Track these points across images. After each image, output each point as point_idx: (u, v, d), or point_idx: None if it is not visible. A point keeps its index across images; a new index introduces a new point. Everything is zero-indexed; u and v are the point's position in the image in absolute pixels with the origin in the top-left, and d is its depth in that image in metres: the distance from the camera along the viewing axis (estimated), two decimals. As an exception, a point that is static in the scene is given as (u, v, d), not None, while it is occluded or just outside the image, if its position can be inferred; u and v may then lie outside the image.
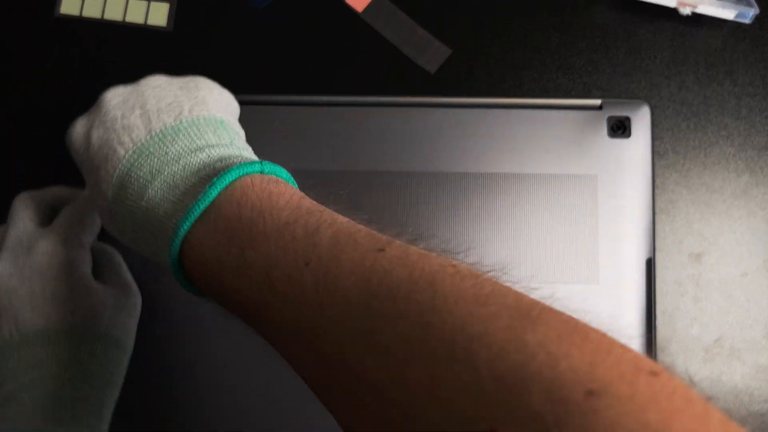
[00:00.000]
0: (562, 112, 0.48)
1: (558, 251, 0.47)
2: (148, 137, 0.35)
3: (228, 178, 0.32)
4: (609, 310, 0.46)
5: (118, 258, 0.45)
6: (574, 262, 0.47)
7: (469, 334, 0.24)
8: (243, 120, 0.49)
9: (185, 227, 0.32)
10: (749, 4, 0.50)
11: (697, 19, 0.52)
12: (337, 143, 0.48)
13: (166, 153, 0.34)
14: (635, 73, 0.51)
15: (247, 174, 0.33)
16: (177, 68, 0.52)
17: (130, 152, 0.35)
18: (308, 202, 0.32)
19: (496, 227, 0.47)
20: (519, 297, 0.26)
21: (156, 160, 0.34)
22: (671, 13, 0.51)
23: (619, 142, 0.48)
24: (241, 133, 0.39)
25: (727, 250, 0.50)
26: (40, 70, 0.52)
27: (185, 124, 0.35)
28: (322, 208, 0.32)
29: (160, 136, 0.35)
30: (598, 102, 0.49)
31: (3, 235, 0.42)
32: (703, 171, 0.51)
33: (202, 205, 0.32)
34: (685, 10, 0.50)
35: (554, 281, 0.47)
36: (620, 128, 0.48)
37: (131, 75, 0.52)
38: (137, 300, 0.44)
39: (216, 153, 0.35)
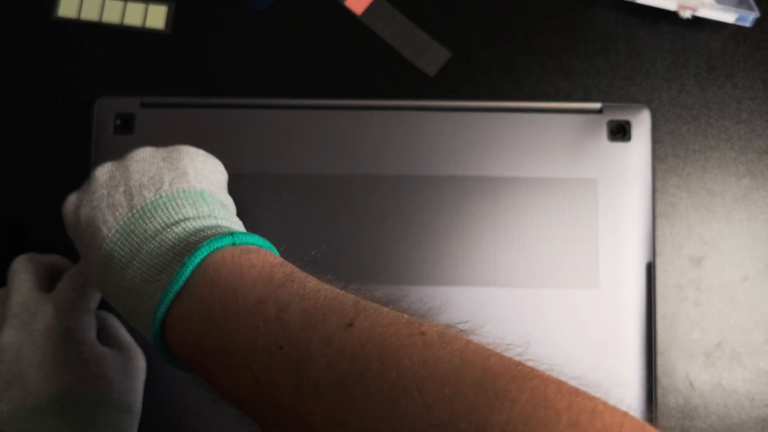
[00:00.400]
0: (562, 116, 0.48)
1: (558, 255, 0.47)
2: (129, 215, 0.35)
3: (199, 255, 0.32)
4: (609, 315, 0.46)
5: (116, 321, 0.44)
6: (574, 266, 0.47)
7: (434, 421, 0.24)
8: (242, 123, 0.48)
9: (162, 309, 0.32)
10: (750, 8, 0.50)
11: (698, 22, 0.51)
12: (336, 147, 0.48)
13: (144, 230, 0.35)
14: (635, 76, 0.51)
15: (218, 248, 0.33)
16: (175, 71, 0.52)
17: (113, 231, 0.35)
18: (279, 272, 0.32)
19: (496, 231, 0.47)
20: (486, 367, 0.25)
21: (135, 238, 0.35)
22: (671, 16, 0.51)
23: (620, 146, 0.48)
24: (227, 200, 0.39)
25: (728, 254, 0.50)
26: (37, 73, 0.52)
27: (164, 198, 0.36)
28: (293, 274, 0.32)
29: (141, 213, 0.35)
30: (598, 105, 0.48)
31: (3, 299, 0.41)
32: (704, 175, 0.50)
33: (176, 286, 0.32)
34: (686, 14, 0.50)
35: (554, 286, 0.47)
36: (620, 132, 0.48)
37: (129, 78, 0.52)
38: (142, 362, 0.43)
39: (191, 226, 0.34)
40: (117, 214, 0.36)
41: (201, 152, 0.40)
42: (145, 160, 0.38)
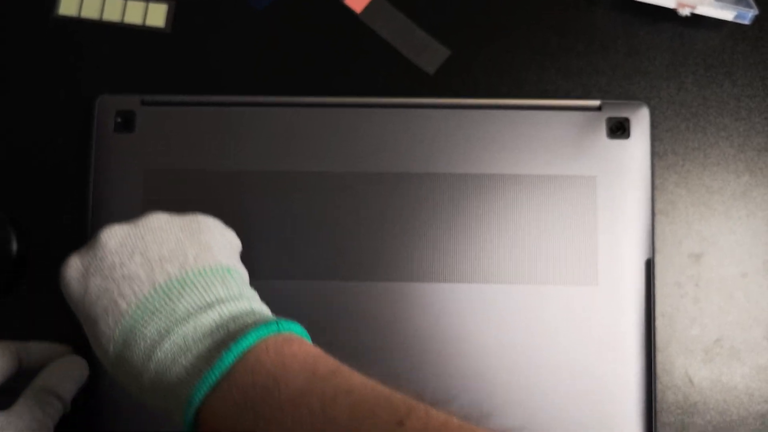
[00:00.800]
0: (562, 114, 0.48)
1: (557, 252, 0.47)
2: (152, 291, 0.33)
3: (244, 344, 0.31)
4: (608, 312, 0.46)
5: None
6: (573, 263, 0.47)
7: None
8: (242, 121, 0.49)
9: (200, 396, 0.31)
10: (748, 5, 0.50)
11: (697, 20, 0.52)
12: (336, 145, 0.48)
13: (173, 310, 0.33)
14: (634, 74, 0.51)
15: (262, 337, 0.32)
16: (175, 69, 0.52)
17: (133, 307, 0.33)
18: (323, 365, 0.32)
19: (495, 229, 0.47)
20: None
21: (163, 318, 0.33)
22: (670, 14, 0.51)
23: (619, 143, 0.48)
24: (245, 274, 0.38)
25: (727, 250, 0.50)
26: (38, 71, 0.52)
27: (191, 275, 0.34)
28: (338, 368, 0.31)
29: (165, 290, 0.34)
30: (597, 103, 0.49)
31: None
32: (703, 172, 0.51)
33: (218, 373, 0.31)
34: (685, 11, 0.50)
35: (553, 283, 0.47)
36: (619, 129, 0.48)
37: (130, 76, 0.52)
38: None
39: (227, 310, 0.33)
40: (136, 288, 0.34)
41: (218, 223, 0.38)
42: (162, 228, 0.36)
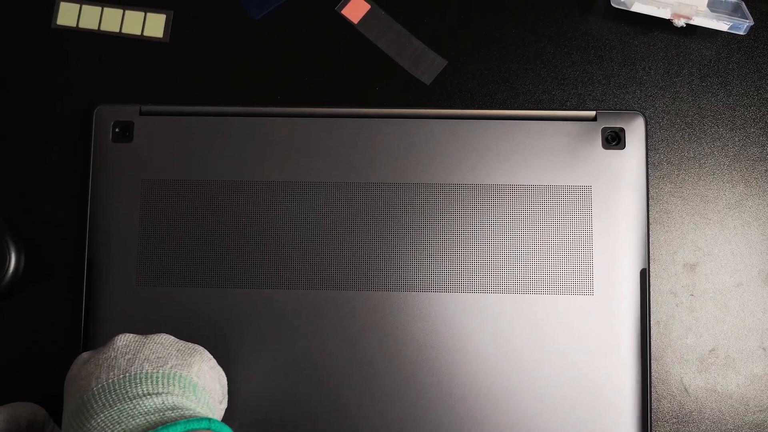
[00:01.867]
0: (557, 124, 0.48)
1: (553, 262, 0.47)
2: (121, 376, 0.37)
3: (173, 430, 0.33)
4: (604, 321, 0.47)
5: None
6: (568, 273, 0.47)
7: None
8: (240, 131, 0.49)
9: None
10: (743, 16, 0.50)
11: (692, 30, 0.52)
12: (332, 155, 0.48)
13: (126, 392, 0.36)
14: (630, 84, 0.52)
15: (193, 430, 0.34)
16: (173, 80, 0.52)
17: (101, 384, 0.37)
18: None
19: (491, 238, 0.47)
20: None
21: (114, 396, 0.36)
22: (665, 24, 0.52)
23: (614, 153, 0.48)
24: (215, 408, 0.41)
25: (722, 260, 0.50)
26: (36, 81, 0.52)
27: (160, 374, 0.38)
28: None
29: (131, 377, 0.37)
30: (592, 113, 0.49)
31: None
32: (698, 182, 0.51)
33: None
34: (680, 22, 0.51)
35: (549, 292, 0.47)
36: (615, 139, 0.48)
37: (128, 86, 0.52)
38: None
39: (171, 401, 0.36)
40: (111, 373, 0.37)
41: (213, 361, 0.42)
42: (162, 344, 0.40)
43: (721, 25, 0.50)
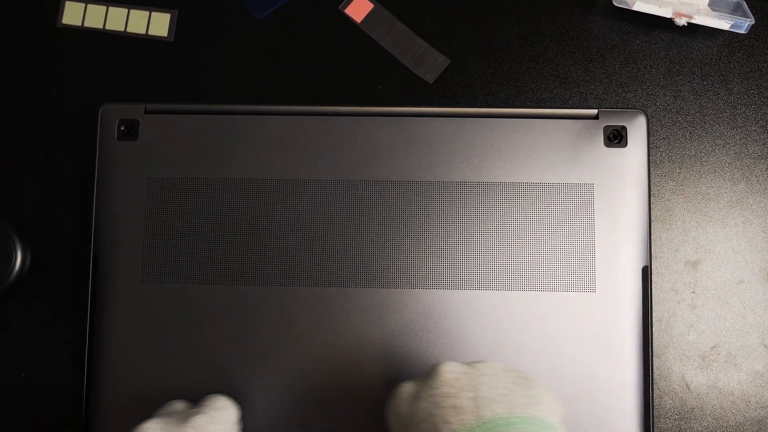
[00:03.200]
0: (559, 122, 0.49)
1: (555, 259, 0.47)
2: (476, 422, 0.35)
3: None
4: (606, 318, 0.47)
5: None
6: (570, 270, 0.47)
7: None
8: (244, 130, 0.49)
9: None
10: (745, 15, 0.50)
11: (693, 29, 0.52)
12: (336, 153, 0.48)
13: None
14: (631, 82, 0.52)
15: None
16: (178, 78, 0.52)
17: (460, 429, 0.35)
18: None
19: (494, 236, 0.48)
20: None
21: None
22: (667, 23, 0.52)
23: (616, 152, 0.48)
24: None
25: (723, 257, 0.50)
26: (42, 80, 0.52)
27: (517, 418, 0.36)
28: None
29: (489, 425, 0.35)
30: (594, 111, 0.49)
31: None
32: (699, 180, 0.51)
33: None
34: (681, 21, 0.51)
35: (551, 290, 0.47)
36: (617, 137, 0.49)
37: (133, 85, 0.52)
38: None
39: None
40: (463, 416, 0.36)
41: (551, 390, 0.40)
42: (494, 375, 0.39)
43: (723, 23, 0.51)
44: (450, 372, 0.38)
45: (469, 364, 0.39)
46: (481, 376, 0.38)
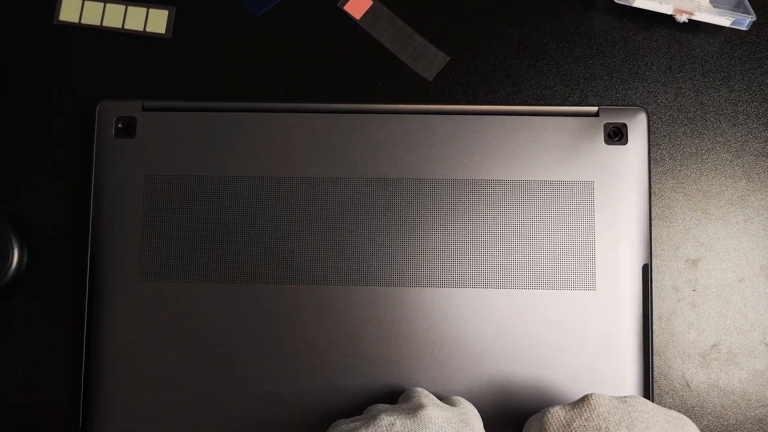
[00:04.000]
0: (559, 119, 0.48)
1: (555, 257, 0.47)
2: None
3: None
4: (606, 316, 0.47)
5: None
6: (571, 268, 0.47)
7: None
8: (242, 127, 0.49)
9: None
10: (746, 11, 0.50)
11: (694, 26, 0.52)
12: (335, 150, 0.48)
13: None
14: (632, 80, 0.52)
15: None
16: (176, 75, 0.52)
17: None
18: None
19: (494, 234, 0.47)
20: None
21: None
22: (668, 20, 0.52)
23: (616, 149, 0.48)
24: None
25: (724, 255, 0.50)
26: (39, 77, 0.52)
27: None
28: None
29: None
30: (594, 109, 0.49)
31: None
32: (700, 177, 0.51)
33: None
34: (682, 18, 0.51)
35: (552, 288, 0.47)
36: (617, 135, 0.49)
37: (130, 82, 0.52)
38: None
39: None
40: None
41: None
42: (648, 412, 0.39)
43: (724, 20, 0.50)
44: (603, 405, 0.39)
45: (619, 398, 0.40)
46: (635, 413, 0.39)
